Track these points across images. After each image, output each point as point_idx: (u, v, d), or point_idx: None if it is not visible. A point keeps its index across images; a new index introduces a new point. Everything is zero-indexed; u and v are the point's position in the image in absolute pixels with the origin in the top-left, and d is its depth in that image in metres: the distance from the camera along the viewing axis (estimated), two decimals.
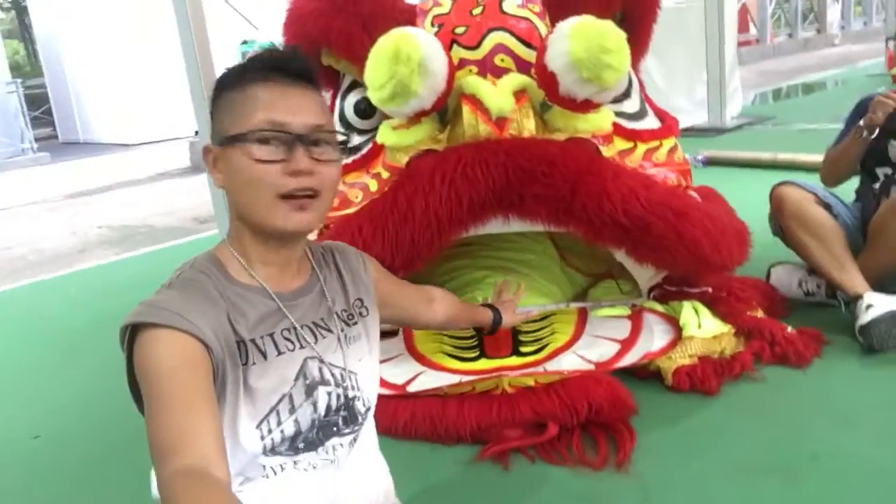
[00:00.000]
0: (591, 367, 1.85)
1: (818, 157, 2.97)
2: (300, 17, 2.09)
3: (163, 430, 0.83)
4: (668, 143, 2.17)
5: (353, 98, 2.16)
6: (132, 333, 0.91)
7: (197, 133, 7.87)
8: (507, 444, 1.65)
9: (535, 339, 1.98)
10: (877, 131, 2.16)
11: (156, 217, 5.52)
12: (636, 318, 2.05)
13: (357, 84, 2.19)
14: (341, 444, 1.08)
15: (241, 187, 0.98)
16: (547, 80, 1.79)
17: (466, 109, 1.82)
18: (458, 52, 1.94)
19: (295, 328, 1.03)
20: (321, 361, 1.05)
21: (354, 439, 1.11)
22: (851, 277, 2.09)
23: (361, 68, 2.01)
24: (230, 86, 1.00)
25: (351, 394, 1.09)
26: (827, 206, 2.18)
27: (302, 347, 1.03)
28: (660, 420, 1.69)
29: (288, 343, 1.02)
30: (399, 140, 1.92)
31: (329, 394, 1.05)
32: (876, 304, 1.96)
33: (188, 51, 3.40)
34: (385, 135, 1.96)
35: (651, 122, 2.20)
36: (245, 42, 7.70)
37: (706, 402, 1.76)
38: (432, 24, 2.01)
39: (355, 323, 1.14)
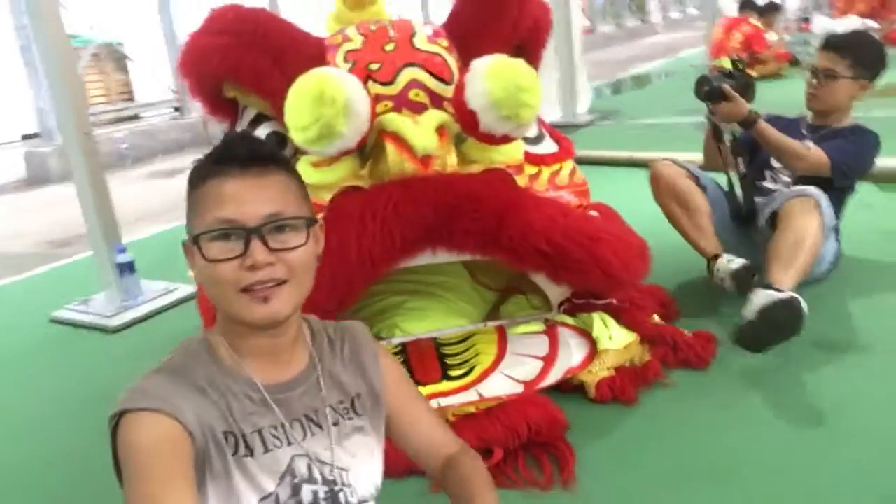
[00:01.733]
0: (521, 387, 1.95)
1: (670, 154, 3.32)
2: (204, 54, 2.03)
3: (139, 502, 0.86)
4: (568, 165, 2.32)
5: (261, 132, 2.12)
6: (117, 420, 0.93)
7: (36, 135, 7.21)
8: None
9: (461, 362, 2.06)
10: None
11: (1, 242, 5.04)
12: (551, 332, 2.17)
13: (264, 117, 2.16)
14: None
15: (206, 285, 0.99)
16: (467, 117, 1.86)
17: (391, 148, 1.86)
18: (374, 88, 1.96)
19: (283, 425, 1.02)
20: (310, 458, 1.03)
21: None
22: (707, 242, 2.48)
23: (273, 103, 2.01)
24: (193, 183, 1.01)
25: (337, 489, 1.05)
26: (695, 179, 2.51)
27: (290, 444, 1.02)
28: (590, 433, 1.83)
29: (276, 440, 1.00)
30: (322, 178, 1.92)
31: (315, 492, 1.03)
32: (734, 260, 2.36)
33: (43, 44, 3.01)
34: (306, 173, 1.94)
35: (549, 146, 2.34)
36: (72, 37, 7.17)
37: (628, 412, 1.91)
38: (345, 60, 2.02)
39: (352, 417, 1.10)
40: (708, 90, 2.46)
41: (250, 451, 0.98)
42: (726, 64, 7.54)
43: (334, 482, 1.05)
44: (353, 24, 2.22)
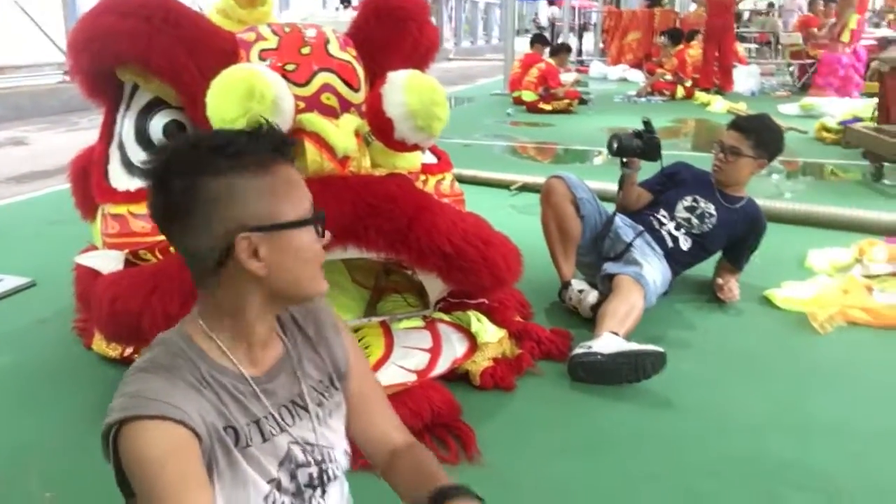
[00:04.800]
0: (414, 376, 2.11)
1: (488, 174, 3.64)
2: (108, 34, 1.97)
3: None
4: (449, 176, 2.54)
5: (160, 119, 2.12)
6: (116, 429, 0.91)
7: None
8: None
9: None
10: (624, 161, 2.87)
11: None
12: (432, 328, 2.36)
13: (161, 103, 2.14)
14: (322, 499, 1.11)
15: (299, 266, 1.01)
16: (383, 124, 2.01)
17: (310, 147, 1.95)
18: (290, 89, 2.03)
19: (273, 413, 1.05)
20: (301, 443, 1.07)
21: (332, 482, 1.14)
22: (568, 269, 2.82)
23: (184, 93, 2.01)
24: (249, 168, 0.97)
25: (325, 467, 1.11)
26: (577, 207, 2.81)
27: (283, 431, 1.05)
28: (482, 416, 2.04)
29: (272, 429, 1.04)
30: None
31: (309, 474, 1.08)
32: (584, 288, 2.73)
33: None
34: None
35: (431, 157, 2.54)
36: None
37: (509, 397, 2.16)
38: (260, 58, 2.07)
39: (332, 394, 1.15)
40: (618, 147, 2.81)
41: (250, 442, 1.01)
42: (526, 97, 8.20)
43: (322, 461, 1.10)
44: (252, 24, 2.26)
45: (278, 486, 1.03)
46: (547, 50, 9.36)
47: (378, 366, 2.14)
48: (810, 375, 2.35)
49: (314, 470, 1.09)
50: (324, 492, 1.11)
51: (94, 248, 2.32)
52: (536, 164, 5.89)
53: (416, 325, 2.39)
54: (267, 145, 1.01)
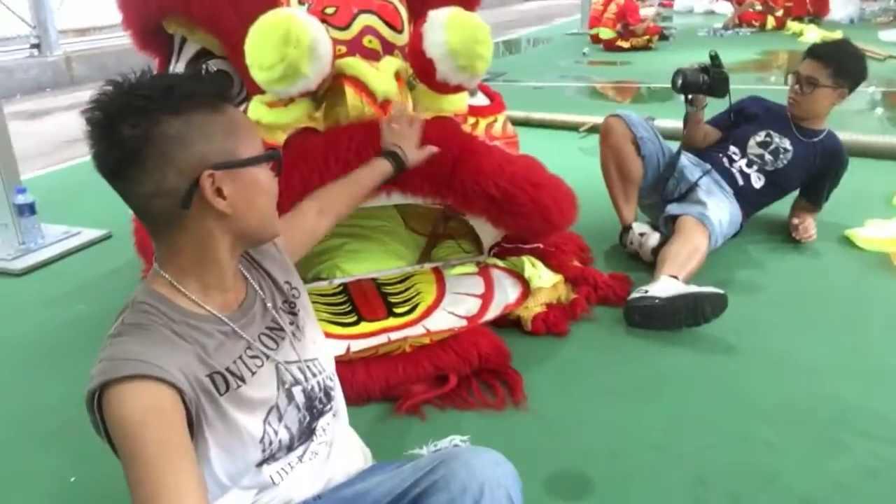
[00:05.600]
0: (464, 321, 2.09)
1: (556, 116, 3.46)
2: None
3: (141, 493, 0.85)
4: (501, 117, 2.46)
5: (210, 68, 2.11)
6: (99, 395, 0.90)
7: None
8: (418, 397, 1.85)
9: (405, 300, 2.17)
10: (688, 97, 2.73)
11: None
12: (485, 273, 2.33)
13: (207, 53, 2.15)
14: (328, 423, 1.16)
15: (260, 203, 1.02)
16: (424, 65, 1.95)
17: (351, 91, 1.91)
18: (330, 32, 1.99)
19: (255, 345, 1.06)
20: (288, 363, 1.10)
21: (334, 413, 1.19)
22: (628, 212, 2.72)
23: (226, 42, 2.01)
24: (200, 105, 0.96)
25: (320, 378, 1.14)
26: (637, 146, 2.69)
27: (268, 358, 1.07)
28: (531, 362, 2.02)
29: (256, 360, 1.05)
30: (277, 118, 1.95)
31: (304, 390, 1.10)
32: (646, 231, 2.63)
33: None
34: (260, 112, 1.97)
35: (483, 99, 2.47)
36: None
37: (562, 342, 2.12)
38: (300, 2, 2.04)
39: (298, 309, 1.18)
40: (682, 83, 2.63)
41: (242, 380, 1.01)
42: (603, 34, 7.93)
43: (313, 374, 1.13)
44: None
45: (278, 413, 1.05)
46: None
47: (429, 312, 2.13)
48: (887, 319, 2.20)
49: (308, 385, 1.11)
50: (329, 404, 1.16)
51: None
52: (613, 105, 5.68)
53: (470, 270, 2.36)
54: (211, 87, 1.00)
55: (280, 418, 1.06)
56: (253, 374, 1.04)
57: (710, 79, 2.64)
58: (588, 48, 8.51)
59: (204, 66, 2.08)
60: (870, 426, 1.69)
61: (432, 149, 1.72)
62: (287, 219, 1.41)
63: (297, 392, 1.09)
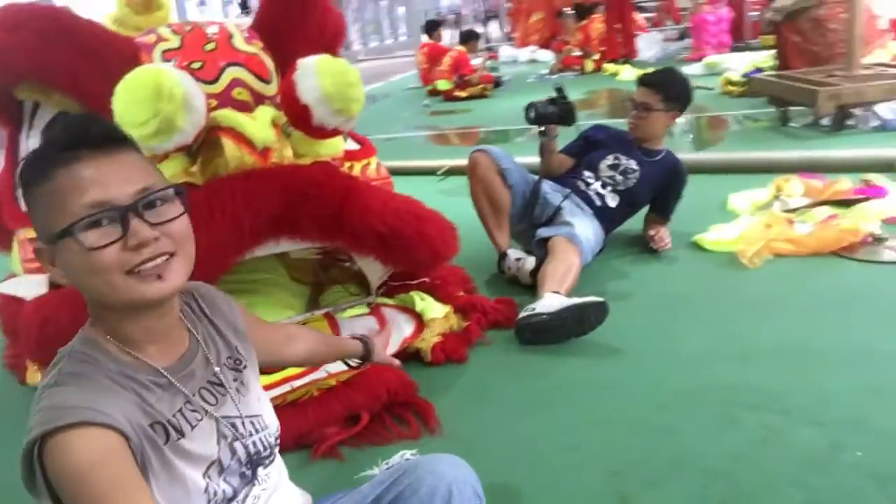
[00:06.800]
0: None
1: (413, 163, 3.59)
2: (1, 51, 1.88)
3: None
4: (374, 160, 2.53)
5: None
6: (39, 446, 0.85)
7: None
8: (333, 439, 1.83)
9: None
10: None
11: None
12: (377, 312, 2.35)
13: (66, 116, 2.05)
14: (269, 472, 1.13)
15: (86, 279, 0.92)
16: (299, 112, 1.99)
17: (228, 142, 1.91)
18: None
19: (194, 399, 1.02)
20: (229, 418, 1.06)
21: (272, 461, 1.15)
22: (502, 239, 2.86)
23: (88, 103, 1.95)
24: (36, 180, 0.91)
25: (262, 434, 1.11)
26: (503, 177, 2.83)
27: (208, 413, 1.03)
28: (437, 389, 2.05)
29: (196, 414, 1.01)
30: None
31: (245, 445, 1.07)
32: (521, 256, 2.77)
33: None
34: None
35: (353, 144, 2.53)
36: None
37: (462, 368, 2.18)
38: (164, 59, 2.01)
39: (245, 366, 1.14)
40: (536, 115, 2.85)
41: (181, 433, 0.98)
42: (441, 86, 8.22)
43: (256, 430, 1.10)
44: (146, 27, 2.21)
45: (220, 467, 1.02)
46: (447, 35, 9.39)
47: None
48: (746, 307, 2.43)
49: (250, 441, 1.08)
50: (272, 457, 1.12)
51: (14, 276, 2.22)
52: (461, 149, 5.92)
53: (361, 312, 2.38)
54: (72, 140, 0.91)
55: (221, 472, 1.02)
56: (193, 427, 1.00)
57: (559, 109, 2.86)
58: (428, 100, 8.83)
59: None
60: (754, 399, 1.86)
61: (396, 361, 1.64)
62: (276, 329, 1.41)
63: (239, 447, 1.06)
